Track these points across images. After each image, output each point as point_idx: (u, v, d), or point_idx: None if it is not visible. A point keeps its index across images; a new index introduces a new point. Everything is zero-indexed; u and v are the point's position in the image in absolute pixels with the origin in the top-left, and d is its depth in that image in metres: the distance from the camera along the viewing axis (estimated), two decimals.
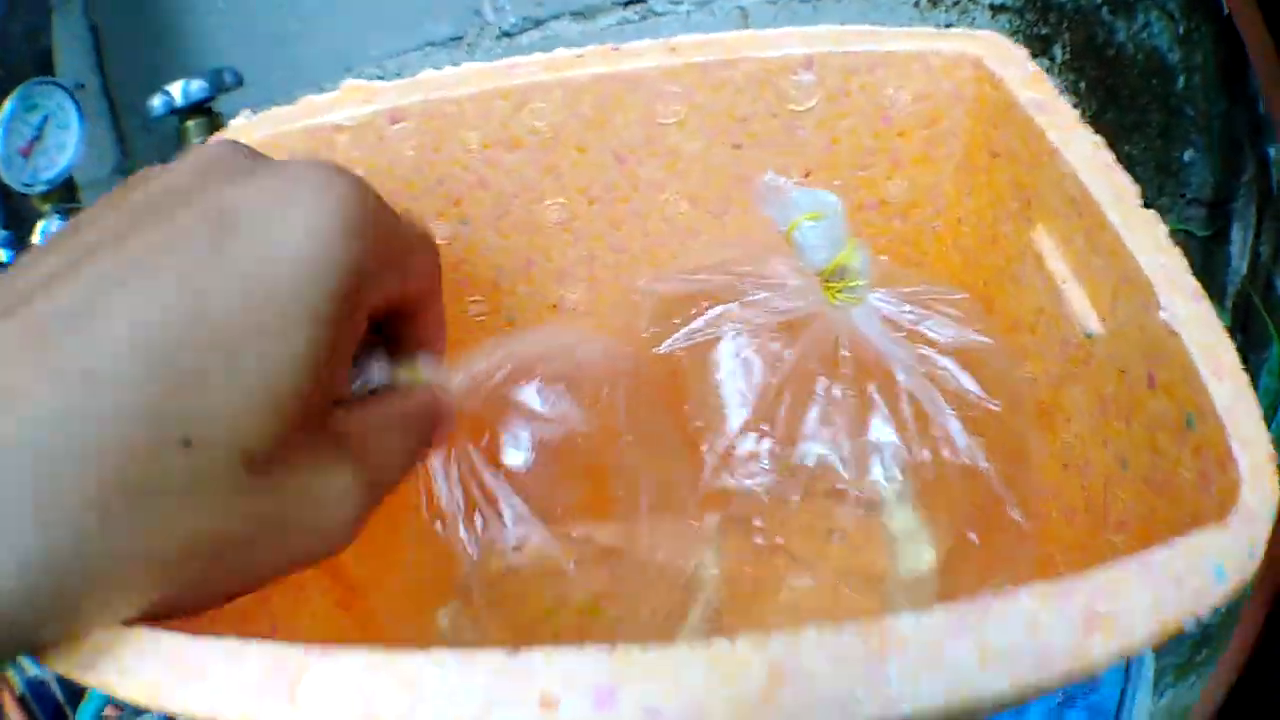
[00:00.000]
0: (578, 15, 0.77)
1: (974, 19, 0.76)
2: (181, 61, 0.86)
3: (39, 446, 0.17)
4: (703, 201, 0.40)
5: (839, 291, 0.32)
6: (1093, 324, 0.29)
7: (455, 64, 0.78)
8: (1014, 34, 0.77)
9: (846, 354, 0.33)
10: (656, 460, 0.35)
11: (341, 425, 0.23)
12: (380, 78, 0.82)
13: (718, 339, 0.35)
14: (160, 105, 0.62)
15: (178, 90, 0.61)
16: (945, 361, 0.33)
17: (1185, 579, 0.17)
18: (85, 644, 0.18)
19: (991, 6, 0.76)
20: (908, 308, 0.33)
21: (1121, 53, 0.77)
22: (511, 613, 0.34)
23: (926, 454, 0.32)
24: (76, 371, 0.17)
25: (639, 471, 0.34)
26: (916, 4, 0.76)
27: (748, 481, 0.33)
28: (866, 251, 0.32)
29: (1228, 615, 1.05)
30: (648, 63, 0.36)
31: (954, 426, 0.32)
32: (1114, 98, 0.79)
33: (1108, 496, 0.29)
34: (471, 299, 0.42)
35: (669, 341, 0.36)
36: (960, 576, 0.33)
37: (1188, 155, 0.80)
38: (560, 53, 0.36)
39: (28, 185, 0.59)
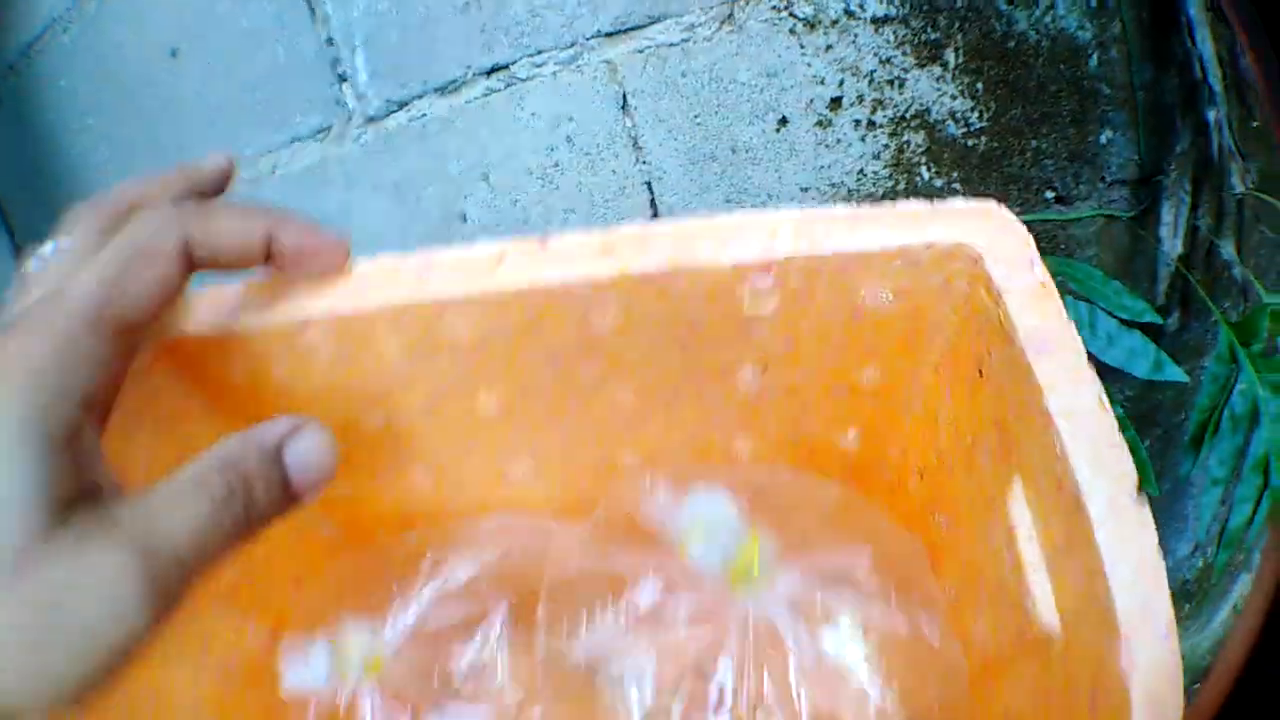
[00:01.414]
0: (441, 90, 0.75)
1: (856, 36, 0.72)
2: (65, 180, 0.84)
3: None
4: (650, 395, 0.36)
5: (741, 581, 0.32)
6: (1053, 625, 0.26)
7: (326, 157, 0.76)
8: (900, 45, 0.73)
9: (734, 651, 0.32)
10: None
11: (117, 513, 0.23)
12: (254, 178, 0.80)
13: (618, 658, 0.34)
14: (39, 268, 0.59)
15: (48, 252, 0.59)
16: (852, 653, 0.32)
17: None
18: None
19: (874, 20, 0.72)
20: (820, 594, 0.32)
21: (1023, 42, 0.72)
22: None
23: None
24: None
25: None
26: (793, 30, 0.73)
27: None
28: (771, 547, 0.31)
29: (1206, 568, 0.91)
30: (578, 271, 0.30)
31: None
32: (1018, 93, 0.73)
33: None
34: (415, 472, 0.40)
35: (579, 650, 0.35)
36: None
37: (1105, 136, 0.73)
38: (479, 249, 0.31)
39: None
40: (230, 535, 0.25)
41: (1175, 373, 0.63)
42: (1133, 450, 0.61)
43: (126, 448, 0.29)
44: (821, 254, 0.30)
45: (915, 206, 0.30)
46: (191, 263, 0.27)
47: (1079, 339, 0.27)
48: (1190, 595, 0.97)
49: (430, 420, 0.37)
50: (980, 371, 0.30)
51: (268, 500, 0.26)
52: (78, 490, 0.23)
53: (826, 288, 0.31)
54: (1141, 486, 0.61)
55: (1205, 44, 0.72)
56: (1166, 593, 0.23)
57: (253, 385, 0.34)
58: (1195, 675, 0.74)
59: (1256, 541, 0.65)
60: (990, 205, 0.30)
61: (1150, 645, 0.22)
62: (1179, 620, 0.95)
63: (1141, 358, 0.63)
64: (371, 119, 0.76)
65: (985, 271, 0.29)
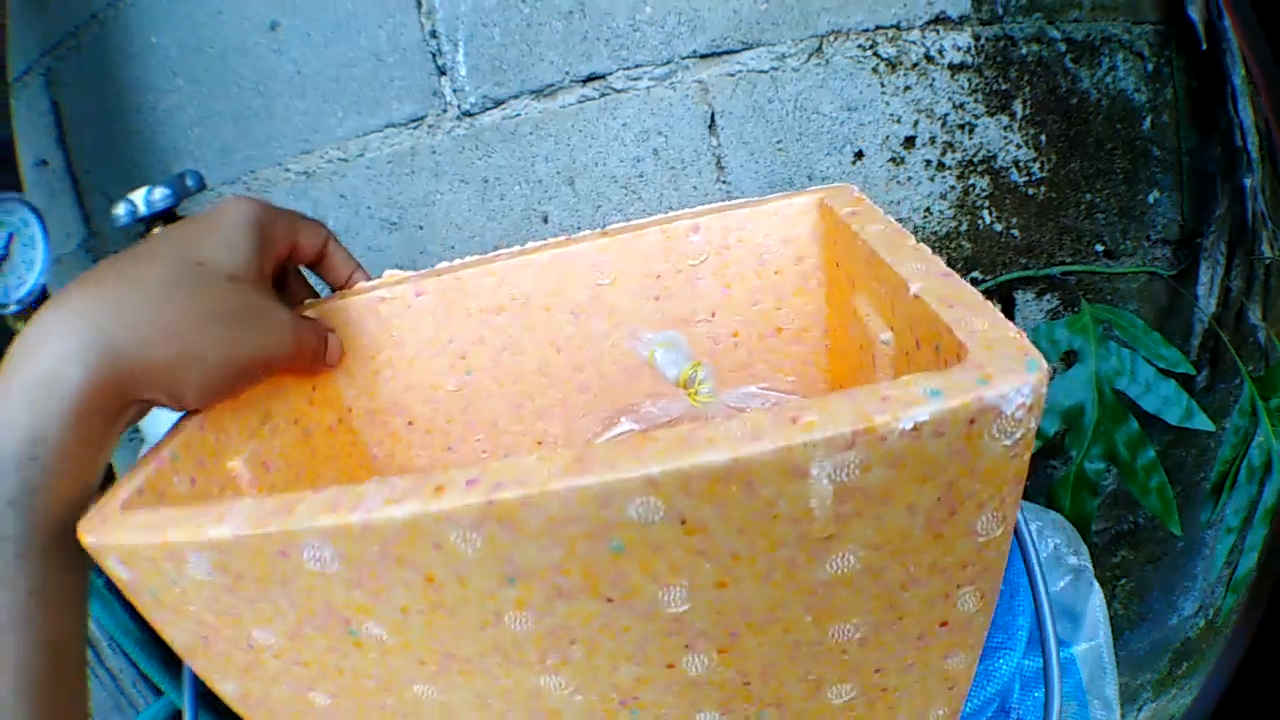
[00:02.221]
0: (537, 93, 0.77)
1: (933, 80, 0.77)
2: (144, 138, 0.85)
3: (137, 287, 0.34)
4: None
5: (696, 396, 0.45)
6: (885, 335, 0.36)
7: (417, 146, 0.78)
8: (973, 92, 0.78)
9: None
10: None
11: (283, 300, 0.42)
12: (342, 159, 0.82)
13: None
14: (124, 215, 0.61)
15: (140, 199, 0.61)
16: None
17: (890, 395, 0.23)
18: (156, 517, 0.29)
19: (950, 66, 0.77)
20: (757, 401, 0.46)
21: (1085, 100, 0.77)
22: None
23: None
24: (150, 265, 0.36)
25: None
26: (875, 69, 0.77)
27: None
28: (710, 368, 0.47)
29: (1208, 628, 0.99)
30: (587, 244, 0.47)
31: None
32: (1077, 147, 0.79)
33: None
34: (476, 438, 0.52)
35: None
36: None
37: (1153, 196, 0.79)
38: (530, 245, 0.49)
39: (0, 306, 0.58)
40: (310, 361, 0.43)
41: (1203, 422, 0.69)
42: (1159, 492, 0.67)
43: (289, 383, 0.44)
44: (730, 212, 0.46)
45: (793, 193, 0.47)
46: (293, 247, 0.44)
47: (877, 210, 0.40)
48: (1189, 654, 1.04)
49: (491, 382, 0.50)
50: (837, 263, 0.44)
51: (321, 357, 0.44)
52: (268, 276, 0.40)
53: (737, 240, 0.47)
54: (1167, 526, 0.68)
55: (1245, 112, 0.78)
56: (941, 262, 0.32)
57: (376, 343, 0.49)
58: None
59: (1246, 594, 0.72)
60: (841, 185, 0.46)
61: (926, 279, 0.31)
62: (1174, 679, 1.02)
63: (1175, 406, 0.70)
64: (466, 114, 0.78)
65: (828, 207, 0.43)
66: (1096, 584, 0.61)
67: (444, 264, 0.49)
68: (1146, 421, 0.72)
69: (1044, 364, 0.23)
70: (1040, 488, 0.85)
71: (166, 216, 0.62)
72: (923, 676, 0.32)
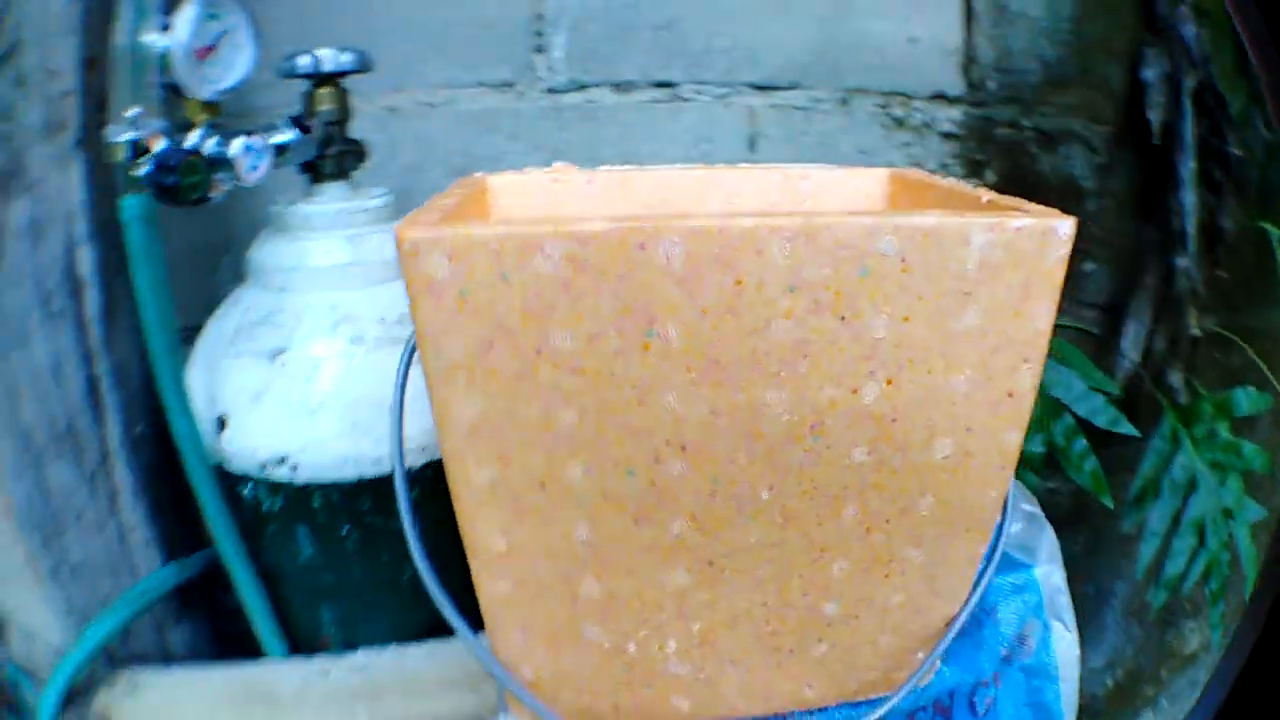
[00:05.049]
0: (617, 87, 0.91)
1: (927, 142, 0.96)
2: None
3: None
4: None
5: None
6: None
7: (501, 108, 0.89)
8: (955, 158, 0.97)
9: None
10: None
11: None
12: (429, 104, 0.92)
13: None
14: (306, 65, 0.64)
15: (328, 55, 0.64)
16: None
17: (1007, 212, 0.36)
18: None
19: (941, 134, 0.96)
20: None
21: (1041, 178, 0.97)
22: None
23: None
24: None
25: None
26: (885, 125, 0.95)
27: None
28: None
29: (1118, 690, 1.05)
30: (728, 172, 0.57)
31: None
32: None
33: None
34: None
35: None
36: None
37: (1089, 266, 0.99)
38: (680, 165, 0.57)
39: (193, 86, 0.60)
40: None
41: (1129, 428, 0.85)
42: (1094, 475, 0.82)
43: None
44: (830, 171, 0.56)
45: (873, 166, 0.58)
46: None
47: (951, 179, 0.50)
48: (1097, 714, 1.10)
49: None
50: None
51: None
52: None
53: (832, 191, 0.56)
54: (1100, 499, 0.82)
55: (1188, 199, 0.95)
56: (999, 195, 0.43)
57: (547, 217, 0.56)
58: None
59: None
60: (910, 168, 0.57)
61: (994, 196, 0.43)
62: None
63: (1102, 414, 0.86)
64: (552, 90, 0.91)
65: (901, 174, 0.55)
66: (1048, 524, 0.74)
67: (605, 166, 0.57)
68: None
69: (1074, 220, 0.36)
70: None
71: (332, 82, 0.68)
72: (988, 447, 0.40)
